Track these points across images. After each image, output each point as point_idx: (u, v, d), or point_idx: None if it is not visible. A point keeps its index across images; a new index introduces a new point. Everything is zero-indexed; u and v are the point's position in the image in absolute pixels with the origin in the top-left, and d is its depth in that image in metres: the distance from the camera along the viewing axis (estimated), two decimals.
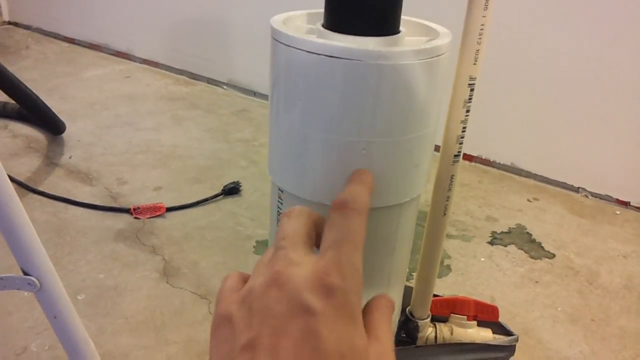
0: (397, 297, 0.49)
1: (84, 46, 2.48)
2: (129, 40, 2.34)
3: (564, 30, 1.35)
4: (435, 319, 0.54)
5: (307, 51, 0.35)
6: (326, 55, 0.34)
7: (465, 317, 0.53)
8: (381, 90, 0.35)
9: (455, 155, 0.44)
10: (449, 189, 0.45)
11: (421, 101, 0.37)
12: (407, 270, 0.48)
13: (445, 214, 0.47)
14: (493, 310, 0.53)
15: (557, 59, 1.39)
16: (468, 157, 1.62)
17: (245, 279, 0.32)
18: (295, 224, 0.31)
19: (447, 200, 0.46)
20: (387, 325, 0.31)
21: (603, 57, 1.33)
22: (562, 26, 1.35)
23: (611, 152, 1.41)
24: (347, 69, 0.34)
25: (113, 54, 2.40)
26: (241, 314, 0.28)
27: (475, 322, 0.53)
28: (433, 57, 0.36)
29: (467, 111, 0.41)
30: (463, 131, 0.43)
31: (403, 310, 0.53)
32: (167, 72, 2.25)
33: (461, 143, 0.44)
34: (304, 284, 0.27)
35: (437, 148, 0.41)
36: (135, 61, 2.33)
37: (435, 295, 0.54)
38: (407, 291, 0.53)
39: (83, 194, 1.33)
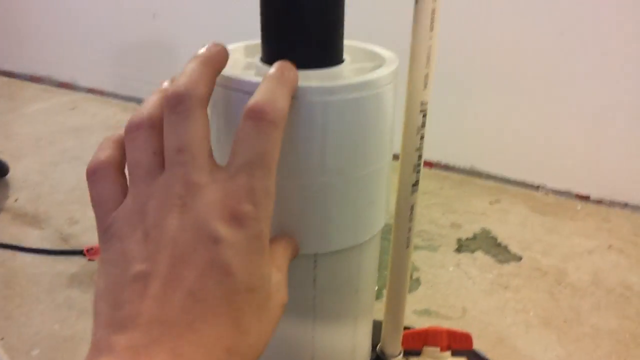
0: (365, 336, 0.46)
1: (25, 79, 2.38)
2: (72, 70, 2.26)
3: (515, 23, 1.36)
4: (407, 353, 0.51)
5: (245, 92, 0.32)
6: None
7: (439, 348, 0.50)
8: (328, 128, 0.32)
9: (414, 185, 0.42)
10: (410, 220, 0.43)
11: (372, 134, 0.34)
12: (375, 298, 0.46)
13: (408, 247, 0.44)
14: (466, 338, 0.51)
15: (509, 55, 1.39)
16: (428, 164, 1.61)
17: (119, 166, 0.30)
18: (197, 128, 0.26)
19: (409, 232, 0.44)
20: (288, 258, 0.32)
21: (555, 49, 1.33)
22: (513, 19, 1.36)
23: (568, 145, 1.42)
24: (291, 109, 0.31)
25: (56, 85, 2.31)
26: (135, 238, 0.25)
27: (449, 353, 0.51)
28: (381, 87, 0.33)
29: (422, 138, 0.39)
30: (419, 159, 0.41)
31: (373, 348, 0.50)
32: (114, 100, 2.17)
33: (418, 172, 0.41)
34: (211, 212, 0.24)
35: (395, 157, 0.38)
36: (80, 91, 2.25)
37: (405, 328, 0.51)
38: (376, 326, 0.51)
39: (32, 238, 1.26)
